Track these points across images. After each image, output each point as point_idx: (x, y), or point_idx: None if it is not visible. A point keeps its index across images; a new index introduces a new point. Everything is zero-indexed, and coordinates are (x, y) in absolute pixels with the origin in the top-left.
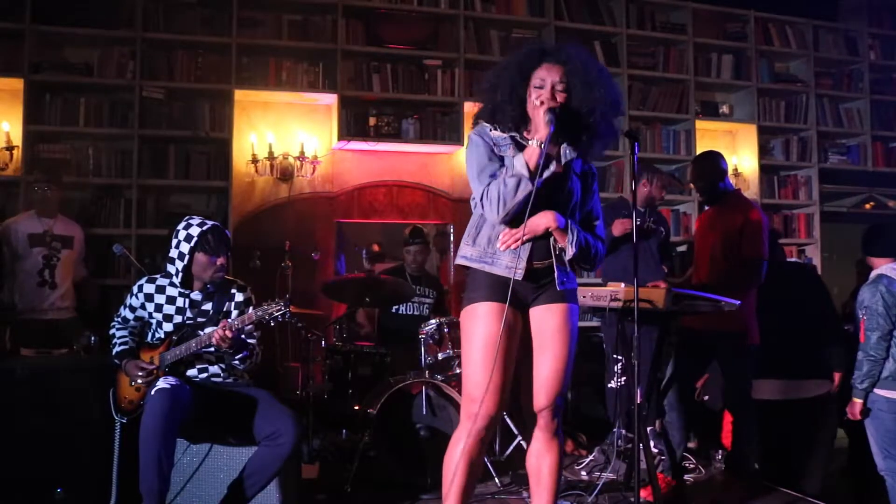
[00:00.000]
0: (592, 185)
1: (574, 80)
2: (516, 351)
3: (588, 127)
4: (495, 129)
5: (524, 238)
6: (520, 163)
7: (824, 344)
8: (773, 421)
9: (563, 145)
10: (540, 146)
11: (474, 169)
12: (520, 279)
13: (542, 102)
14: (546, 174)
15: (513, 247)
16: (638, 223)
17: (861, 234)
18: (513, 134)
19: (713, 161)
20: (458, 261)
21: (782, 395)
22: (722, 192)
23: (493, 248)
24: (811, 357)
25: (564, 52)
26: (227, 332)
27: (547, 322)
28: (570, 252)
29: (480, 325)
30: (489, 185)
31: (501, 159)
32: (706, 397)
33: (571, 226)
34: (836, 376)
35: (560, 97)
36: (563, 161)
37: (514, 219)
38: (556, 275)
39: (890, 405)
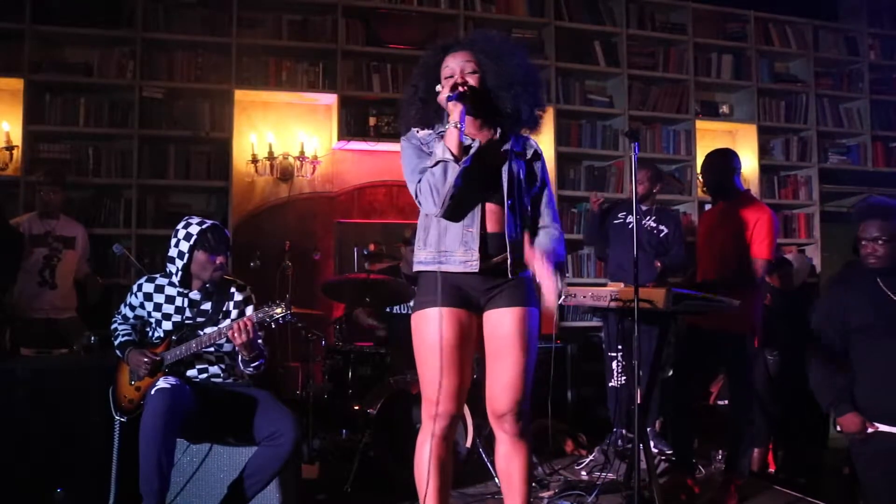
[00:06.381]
0: (535, 164)
1: (482, 58)
2: (472, 353)
3: (511, 98)
4: (420, 131)
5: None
6: (440, 148)
7: None
8: None
9: (496, 125)
10: (456, 126)
11: (407, 171)
12: (475, 271)
13: (443, 87)
14: (472, 150)
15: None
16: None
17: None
18: (440, 131)
19: (725, 158)
20: (416, 268)
21: None
22: (728, 190)
23: (444, 246)
24: None
25: (468, 37)
26: (244, 336)
27: (504, 326)
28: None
29: (432, 328)
30: (419, 180)
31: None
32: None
33: (556, 267)
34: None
35: (472, 78)
36: (496, 136)
37: (456, 208)
38: (508, 263)
39: None
